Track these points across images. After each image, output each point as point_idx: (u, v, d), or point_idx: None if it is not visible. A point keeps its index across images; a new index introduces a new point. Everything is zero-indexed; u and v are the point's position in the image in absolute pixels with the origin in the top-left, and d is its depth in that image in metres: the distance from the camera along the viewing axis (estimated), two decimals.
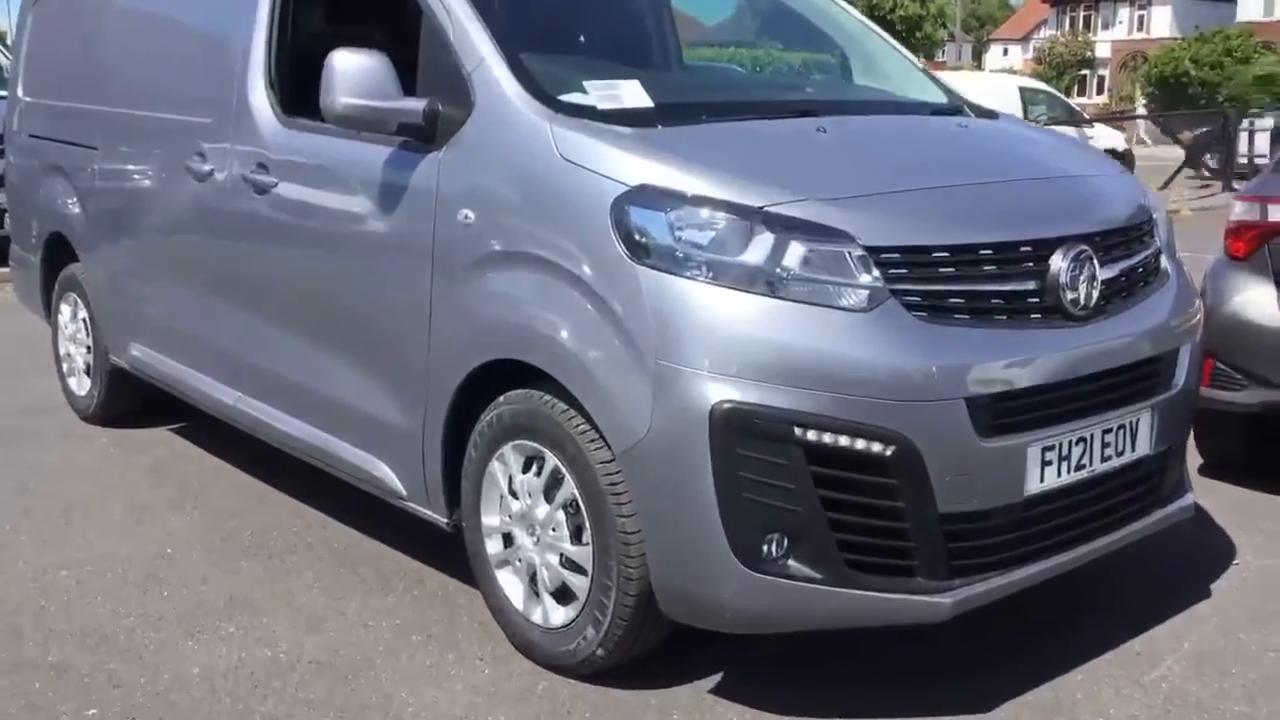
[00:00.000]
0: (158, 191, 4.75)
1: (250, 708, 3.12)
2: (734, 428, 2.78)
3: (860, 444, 2.79)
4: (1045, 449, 3.01)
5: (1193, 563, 3.97)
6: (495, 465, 3.31)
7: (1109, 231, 3.30)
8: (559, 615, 3.23)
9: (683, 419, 2.82)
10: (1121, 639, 3.42)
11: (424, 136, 3.38)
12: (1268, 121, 21.89)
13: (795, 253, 2.84)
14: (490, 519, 3.37)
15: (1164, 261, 3.54)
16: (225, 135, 4.22)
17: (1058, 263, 3.07)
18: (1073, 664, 3.28)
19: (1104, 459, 3.17)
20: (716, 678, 3.24)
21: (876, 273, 2.85)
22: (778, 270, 2.83)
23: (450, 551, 3.74)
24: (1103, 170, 3.74)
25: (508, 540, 3.36)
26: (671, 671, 3.24)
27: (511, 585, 3.37)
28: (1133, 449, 3.26)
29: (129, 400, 5.43)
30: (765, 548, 2.84)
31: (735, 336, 2.81)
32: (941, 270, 2.96)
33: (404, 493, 3.63)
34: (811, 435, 2.78)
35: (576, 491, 3.08)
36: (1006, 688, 3.16)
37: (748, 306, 2.82)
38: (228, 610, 3.66)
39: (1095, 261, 3.15)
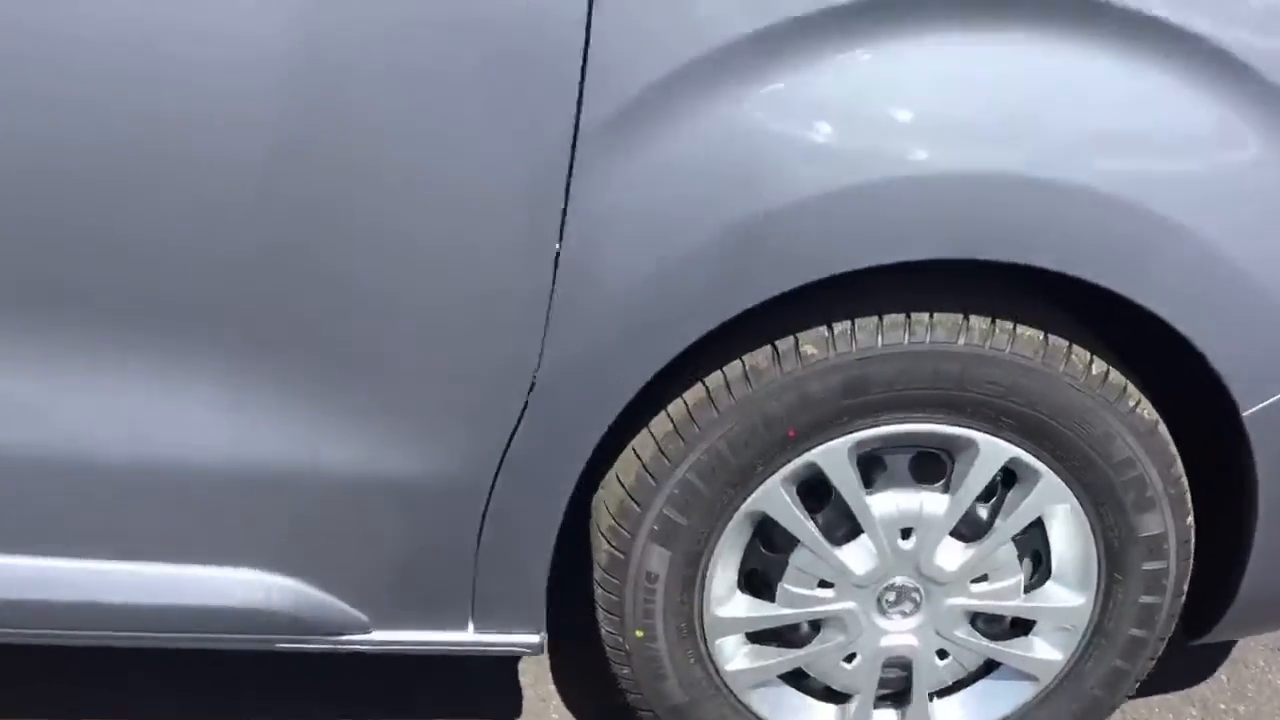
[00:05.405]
0: None
1: None
2: None
3: None
4: None
5: None
6: (776, 492, 1.46)
7: None
8: None
9: None
10: None
11: None
12: None
13: None
14: (736, 609, 1.53)
15: None
16: None
17: None
18: None
19: None
20: None
21: None
22: None
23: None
24: None
25: (789, 637, 1.59)
26: None
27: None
28: None
29: None
30: None
31: None
32: None
33: (365, 619, 1.49)
34: None
35: (1079, 503, 1.49)
36: None
37: None
38: None
39: None
